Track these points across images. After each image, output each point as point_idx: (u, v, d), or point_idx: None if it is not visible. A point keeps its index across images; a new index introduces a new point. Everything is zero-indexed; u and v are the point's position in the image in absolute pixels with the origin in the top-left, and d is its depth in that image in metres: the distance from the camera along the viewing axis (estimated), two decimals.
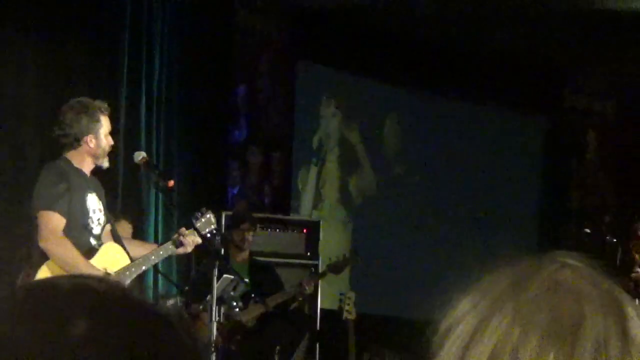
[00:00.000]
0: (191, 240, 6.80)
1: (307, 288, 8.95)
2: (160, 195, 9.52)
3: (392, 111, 12.50)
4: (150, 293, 9.76)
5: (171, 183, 7.20)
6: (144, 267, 6.84)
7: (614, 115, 14.35)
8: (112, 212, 8.64)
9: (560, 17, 11.31)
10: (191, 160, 10.70)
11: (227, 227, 8.98)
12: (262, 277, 8.75)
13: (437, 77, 12.55)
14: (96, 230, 6.65)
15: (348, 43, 11.83)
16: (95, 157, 6.64)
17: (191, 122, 10.73)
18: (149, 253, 6.83)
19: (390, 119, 12.51)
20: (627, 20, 11.19)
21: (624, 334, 1.22)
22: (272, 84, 11.41)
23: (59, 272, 6.37)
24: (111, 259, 6.69)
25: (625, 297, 1.26)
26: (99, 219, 6.66)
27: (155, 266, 9.50)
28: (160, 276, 9.84)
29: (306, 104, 11.77)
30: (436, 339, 1.26)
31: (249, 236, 9.01)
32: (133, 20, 10.27)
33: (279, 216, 10.74)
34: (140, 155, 7.23)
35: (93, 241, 6.61)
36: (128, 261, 6.72)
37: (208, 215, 6.99)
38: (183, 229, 6.86)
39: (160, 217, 10.27)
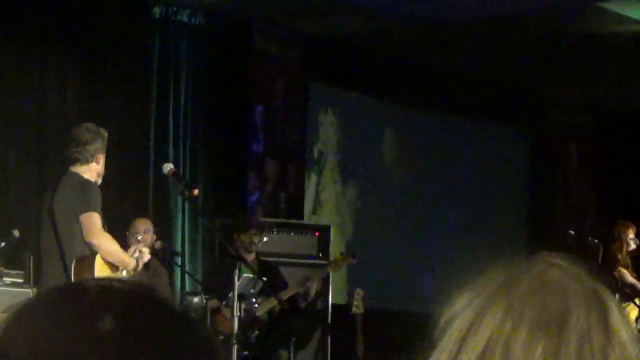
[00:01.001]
0: (146, 250, 7.10)
1: (313, 287, 8.98)
2: (186, 202, 9.55)
3: (391, 126, 12.48)
4: (178, 290, 9.78)
5: (196, 192, 7.25)
6: None
7: (592, 127, 14.33)
8: (145, 216, 8.73)
9: (542, 41, 11.30)
10: (214, 171, 10.74)
11: (237, 231, 8.97)
12: (269, 276, 8.76)
13: (434, 97, 12.55)
14: None
15: (353, 65, 11.86)
16: (99, 174, 6.73)
17: (214, 137, 10.77)
18: None
19: (389, 133, 12.48)
20: (604, 42, 11.17)
21: (606, 326, 1.21)
22: (286, 103, 11.44)
23: (107, 265, 6.57)
24: None
25: (607, 294, 1.25)
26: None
27: (182, 266, 9.57)
28: (187, 275, 9.86)
29: (315, 120, 11.79)
30: (436, 332, 1.25)
31: (256, 239, 9.03)
32: (161, 47, 10.32)
33: (293, 221, 10.73)
34: (168, 167, 7.26)
35: None
36: None
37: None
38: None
39: (186, 222, 10.32)
